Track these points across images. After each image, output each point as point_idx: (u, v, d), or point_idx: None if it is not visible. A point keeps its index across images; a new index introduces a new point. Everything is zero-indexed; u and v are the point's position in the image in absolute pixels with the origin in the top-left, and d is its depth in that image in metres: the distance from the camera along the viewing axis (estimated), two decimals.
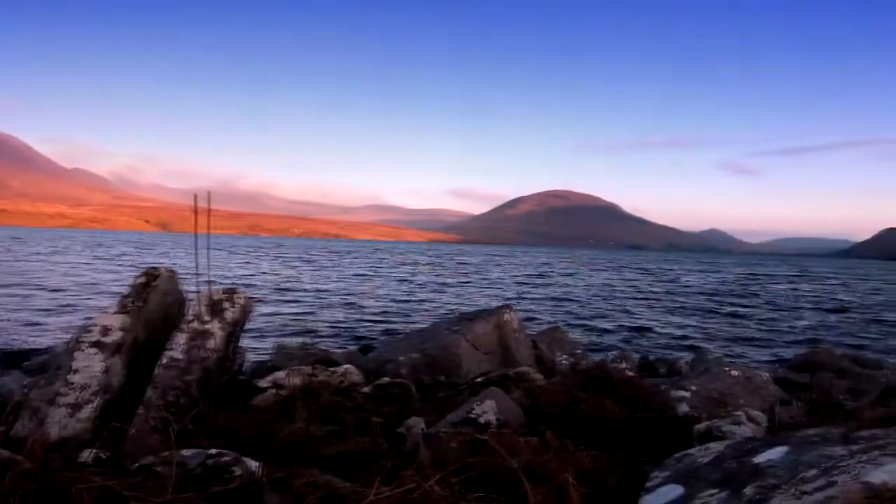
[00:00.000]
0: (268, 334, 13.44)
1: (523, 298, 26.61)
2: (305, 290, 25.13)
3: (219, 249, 70.26)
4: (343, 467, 3.18)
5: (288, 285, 27.26)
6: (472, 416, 4.12)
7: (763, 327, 20.01)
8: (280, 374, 5.02)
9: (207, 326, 4.41)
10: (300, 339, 11.33)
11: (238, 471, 2.84)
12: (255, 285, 25.89)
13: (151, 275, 4.90)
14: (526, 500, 2.49)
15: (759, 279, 53.36)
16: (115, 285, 22.70)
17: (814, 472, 2.33)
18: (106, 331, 4.34)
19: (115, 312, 4.53)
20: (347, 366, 5.82)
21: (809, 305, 29.03)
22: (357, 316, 18.22)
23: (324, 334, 14.16)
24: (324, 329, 15.15)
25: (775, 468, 2.54)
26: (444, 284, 33.11)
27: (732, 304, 27.66)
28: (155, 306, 4.76)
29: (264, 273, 34.89)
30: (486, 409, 4.17)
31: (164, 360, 4.19)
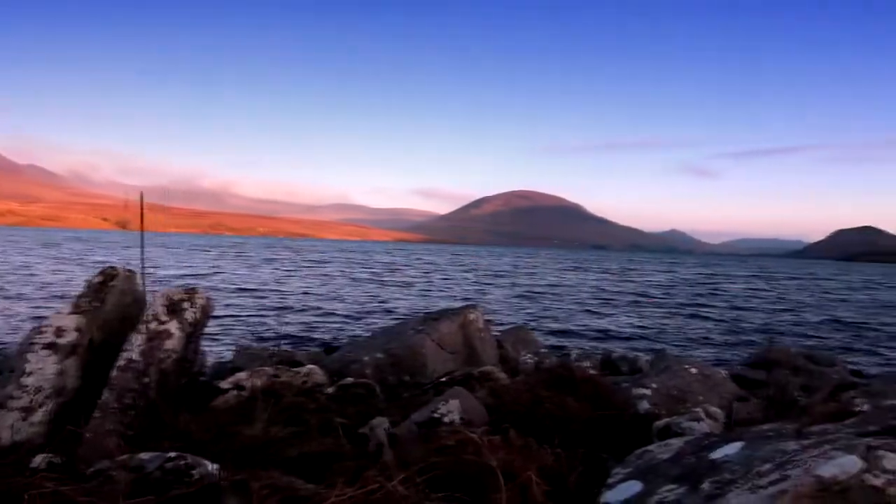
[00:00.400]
0: (230, 335, 13.23)
1: (488, 298, 26.74)
2: (269, 290, 24.82)
3: (179, 248, 68.90)
4: (306, 469, 3.15)
5: (251, 285, 26.88)
6: (437, 415, 4.13)
7: (722, 326, 20.49)
8: (242, 375, 4.94)
9: (166, 327, 4.31)
10: (263, 340, 11.20)
11: (197, 474, 2.80)
12: (217, 285, 25.46)
13: (109, 274, 4.77)
14: (494, 498, 2.50)
15: (718, 279, 54.63)
16: (70, 285, 22.07)
17: (768, 466, 2.39)
18: (60, 332, 4.21)
19: (70, 313, 4.40)
20: (311, 366, 5.76)
21: (766, 304, 29.84)
22: (322, 316, 18.07)
23: (287, 334, 14.01)
24: (288, 329, 14.98)
25: (731, 463, 2.61)
26: (409, 284, 33.07)
27: (692, 304, 28.26)
28: (112, 307, 4.64)
29: (227, 273, 34.34)
30: (451, 409, 4.18)
31: (121, 362, 4.08)
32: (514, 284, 36.43)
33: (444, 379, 5.85)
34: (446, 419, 4.06)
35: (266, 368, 5.13)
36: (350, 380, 5.47)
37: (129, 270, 4.91)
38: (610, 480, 2.95)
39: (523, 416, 4.16)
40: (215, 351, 10.57)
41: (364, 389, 5.27)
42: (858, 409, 4.57)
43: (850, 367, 11.17)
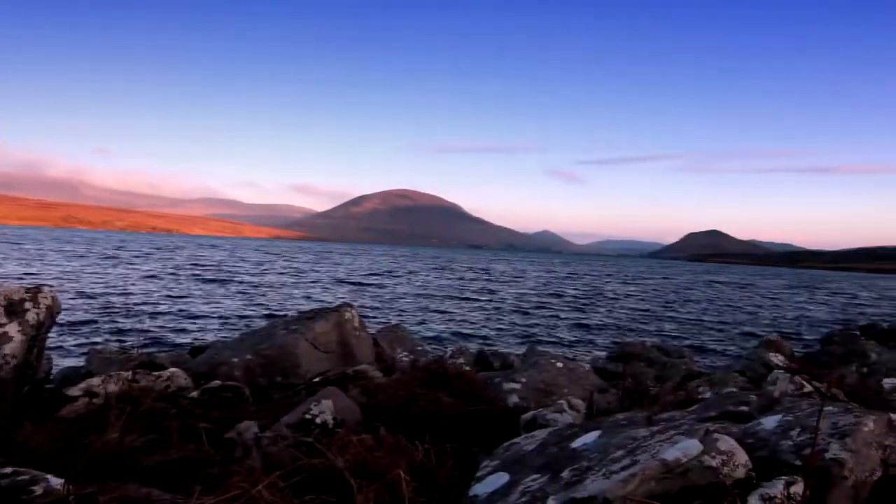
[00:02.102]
0: (82, 338, 12.21)
1: (365, 297, 26.59)
2: (127, 290, 23.14)
3: (23, 243, 62.56)
4: (167, 478, 2.97)
5: (105, 284, 24.93)
6: (309, 416, 4.04)
7: (591, 320, 21.71)
8: (94, 381, 4.57)
9: (4, 330, 3.91)
10: (120, 343, 10.43)
11: (39, 490, 2.56)
12: (65, 284, 23.39)
13: None
14: (359, 499, 2.49)
15: (586, 278, 57.88)
16: None
17: (621, 452, 2.57)
18: None
19: None
20: (173, 369, 5.43)
21: (627, 301, 32.00)
22: (186, 317, 17.13)
23: (149, 337, 13.14)
24: (149, 331, 14.06)
25: (589, 451, 2.77)
26: (282, 283, 32.14)
27: (563, 300, 29.73)
28: None
29: (78, 270, 31.60)
30: (323, 409, 4.11)
31: None
32: (392, 284, 36.50)
33: (317, 379, 5.75)
34: (318, 420, 3.99)
35: (122, 373, 4.78)
36: (217, 383, 5.23)
37: None
38: (478, 473, 3.03)
39: (396, 413, 4.18)
40: (66, 355, 9.72)
41: (232, 392, 5.06)
42: (702, 396, 5.02)
43: (696, 358, 12.24)
